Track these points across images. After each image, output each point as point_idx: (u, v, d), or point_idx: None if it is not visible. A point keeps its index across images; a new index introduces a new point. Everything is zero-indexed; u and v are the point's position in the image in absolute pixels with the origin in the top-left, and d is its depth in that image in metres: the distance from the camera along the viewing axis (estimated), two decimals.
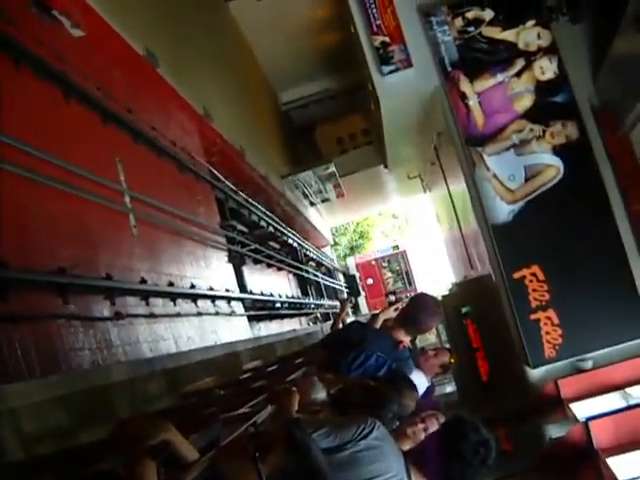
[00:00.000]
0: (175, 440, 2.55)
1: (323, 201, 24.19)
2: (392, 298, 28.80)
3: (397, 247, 39.42)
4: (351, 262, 39.35)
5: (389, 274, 37.93)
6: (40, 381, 4.44)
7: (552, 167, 11.73)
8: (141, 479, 2.37)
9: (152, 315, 7.40)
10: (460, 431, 3.83)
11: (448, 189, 15.74)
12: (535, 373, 11.77)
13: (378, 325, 6.17)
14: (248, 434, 3.48)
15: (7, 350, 4.49)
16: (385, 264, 38.19)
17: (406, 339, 5.65)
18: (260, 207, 15.35)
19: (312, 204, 24.05)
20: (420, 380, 6.23)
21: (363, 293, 36.26)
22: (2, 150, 5.03)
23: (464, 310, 13.77)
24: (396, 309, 6.12)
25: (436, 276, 37.84)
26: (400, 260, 38.07)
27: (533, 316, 11.59)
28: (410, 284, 37.06)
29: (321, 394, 4.48)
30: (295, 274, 20.12)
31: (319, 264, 26.81)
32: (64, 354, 5.29)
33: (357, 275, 37.17)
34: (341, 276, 35.89)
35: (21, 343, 4.64)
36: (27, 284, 4.95)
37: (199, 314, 9.03)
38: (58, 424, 4.25)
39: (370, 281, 37.15)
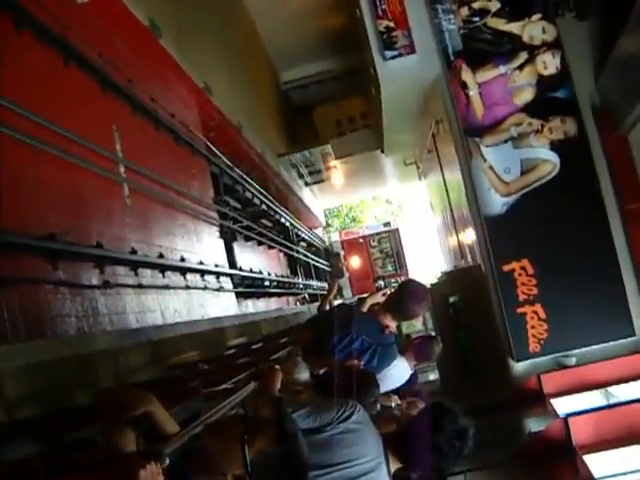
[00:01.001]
0: (157, 412, 2.56)
1: (316, 182, 24.20)
2: (381, 283, 27.02)
3: (389, 224, 35.51)
4: (336, 238, 35.36)
5: (378, 254, 33.95)
6: (25, 345, 4.45)
7: (548, 162, 11.74)
8: (119, 447, 2.39)
9: (140, 286, 7.41)
10: (437, 423, 3.83)
11: (443, 178, 15.75)
12: (519, 366, 11.82)
13: (365, 309, 6.19)
14: (239, 416, 3.48)
15: None
16: (374, 243, 34.05)
17: (392, 324, 5.66)
18: (254, 184, 15.34)
19: (307, 184, 24.04)
20: (404, 367, 6.27)
21: (347, 275, 32.61)
22: None
23: (452, 299, 13.80)
24: (384, 294, 6.14)
25: (426, 263, 35.45)
26: (391, 240, 33.93)
27: (520, 310, 11.62)
28: (401, 267, 33.45)
29: (304, 374, 4.50)
30: (285, 253, 20.13)
31: (310, 245, 26.77)
32: (50, 319, 5.30)
33: (342, 254, 33.45)
34: (323, 254, 31.19)
35: (8, 306, 4.65)
36: (17, 247, 4.94)
37: (187, 287, 9.04)
38: (41, 388, 4.26)
39: (356, 261, 33.40)
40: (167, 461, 2.39)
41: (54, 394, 4.38)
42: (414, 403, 5.25)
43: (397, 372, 6.05)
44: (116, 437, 2.40)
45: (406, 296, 5.61)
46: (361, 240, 34.27)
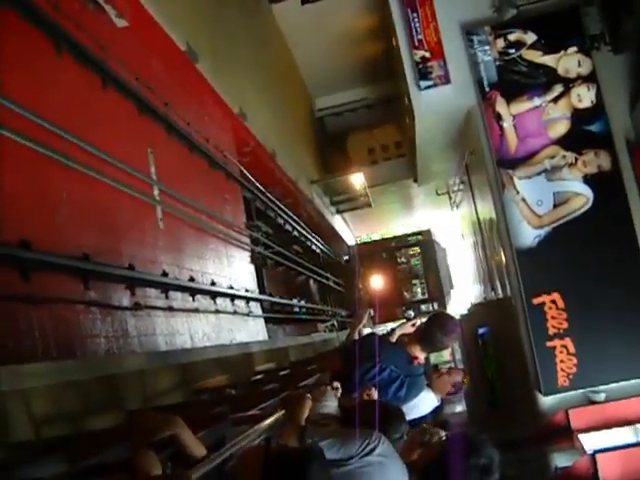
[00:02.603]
0: (184, 436, 2.57)
1: (349, 210, 24.21)
2: (410, 313, 21.41)
3: (422, 234, 27.62)
4: (352, 247, 27.91)
5: (406, 273, 26.85)
6: (55, 364, 4.48)
7: (581, 196, 11.69)
8: (145, 471, 2.39)
9: (170, 308, 7.43)
10: (463, 459, 3.79)
11: (475, 208, 15.72)
12: (546, 400, 11.72)
13: (394, 339, 6.18)
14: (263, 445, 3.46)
15: (25, 330, 4.53)
16: (402, 258, 26.97)
17: (421, 355, 5.66)
18: (287, 210, 15.37)
19: (339, 212, 24.04)
20: (431, 397, 6.24)
21: (363, 296, 25.82)
22: (36, 132, 5.07)
23: (481, 331, 13.72)
24: (413, 325, 6.12)
25: (456, 294, 28.89)
26: (427, 253, 26.48)
27: (549, 343, 11.54)
28: (437, 294, 26.08)
29: (332, 403, 4.49)
30: (316, 280, 20.08)
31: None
32: (80, 339, 5.33)
33: (359, 271, 26.23)
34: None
35: (39, 324, 4.68)
36: (49, 267, 4.98)
37: (217, 311, 9.05)
38: (69, 408, 4.28)
39: (377, 282, 25.88)
40: None
41: (82, 414, 4.41)
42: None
43: (424, 403, 6.03)
44: (141, 460, 2.40)
45: (436, 328, 5.60)
46: (384, 255, 27.85)
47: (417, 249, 27.74)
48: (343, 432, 3.88)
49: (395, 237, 28.53)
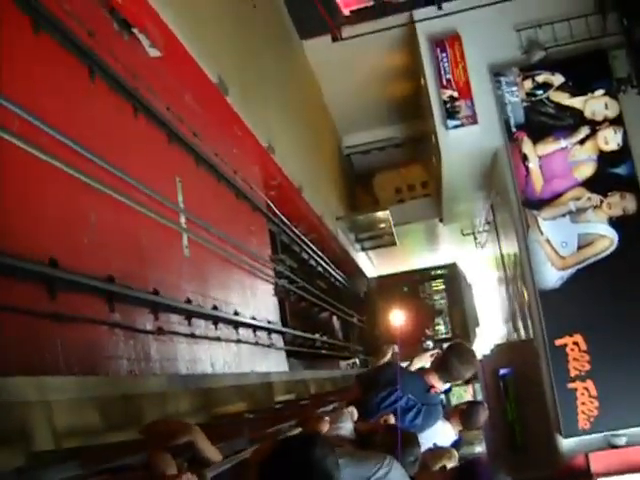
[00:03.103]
0: (201, 442, 2.63)
1: (373, 248, 24.20)
2: (429, 344, 21.25)
3: (447, 268, 26.02)
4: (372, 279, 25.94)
5: (429, 309, 24.89)
6: (78, 379, 4.56)
7: (606, 238, 11.72)
8: (158, 469, 2.44)
9: (193, 335, 7.49)
10: None
11: (500, 249, 15.75)
12: (566, 443, 11.68)
13: (413, 369, 6.24)
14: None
15: (49, 347, 4.60)
16: (425, 293, 25.31)
17: (439, 385, 5.70)
18: (312, 245, 15.42)
19: (363, 249, 24.04)
20: (447, 430, 6.27)
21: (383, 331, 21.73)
22: (68, 155, 5.18)
23: (502, 372, 13.70)
24: (432, 355, 6.19)
25: (481, 333, 26.19)
26: (452, 288, 24.71)
27: (571, 385, 11.52)
28: (462, 333, 23.46)
29: (348, 424, 4.53)
30: (339, 317, 20.05)
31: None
32: (103, 359, 5.40)
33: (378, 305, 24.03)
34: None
35: (63, 342, 4.75)
36: (76, 286, 5.07)
37: (239, 341, 9.10)
38: (89, 423, 4.35)
39: (398, 318, 18.88)
40: None
41: (102, 430, 4.47)
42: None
43: (441, 435, 6.05)
44: (158, 461, 2.46)
45: (453, 357, 5.66)
46: (405, 289, 25.93)
47: (441, 284, 26.08)
48: (357, 454, 3.92)
49: (418, 270, 27.29)
